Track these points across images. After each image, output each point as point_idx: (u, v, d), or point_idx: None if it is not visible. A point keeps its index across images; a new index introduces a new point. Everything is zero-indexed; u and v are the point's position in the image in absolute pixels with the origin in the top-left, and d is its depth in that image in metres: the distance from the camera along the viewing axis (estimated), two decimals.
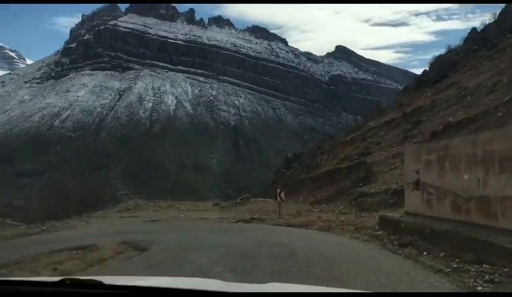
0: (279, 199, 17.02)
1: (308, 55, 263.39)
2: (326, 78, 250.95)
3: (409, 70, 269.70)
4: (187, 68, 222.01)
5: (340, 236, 11.22)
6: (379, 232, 10.45)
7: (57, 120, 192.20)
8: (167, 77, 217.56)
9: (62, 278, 2.13)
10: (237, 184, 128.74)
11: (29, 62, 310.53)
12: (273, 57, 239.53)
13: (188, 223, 16.07)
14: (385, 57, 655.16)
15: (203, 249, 8.96)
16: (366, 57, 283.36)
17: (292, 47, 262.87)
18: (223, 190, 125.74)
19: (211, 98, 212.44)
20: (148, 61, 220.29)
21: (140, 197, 57.32)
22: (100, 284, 1.95)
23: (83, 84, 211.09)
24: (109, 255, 9.25)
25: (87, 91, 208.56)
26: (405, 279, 6.14)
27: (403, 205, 11.43)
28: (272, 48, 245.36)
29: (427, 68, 52.90)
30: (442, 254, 7.41)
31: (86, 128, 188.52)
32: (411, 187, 10.26)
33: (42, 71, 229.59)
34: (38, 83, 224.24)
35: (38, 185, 55.45)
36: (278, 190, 17.47)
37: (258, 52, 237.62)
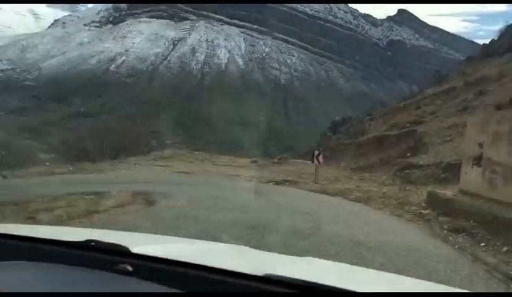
0: (316, 162, 15.58)
1: (368, 18, 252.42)
2: (384, 42, 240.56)
3: (474, 40, 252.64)
4: (242, 23, 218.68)
5: (379, 210, 9.71)
6: (427, 211, 8.88)
7: (113, 65, 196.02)
8: (222, 30, 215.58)
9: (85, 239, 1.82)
10: (282, 144, 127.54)
11: (89, 5, 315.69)
12: (330, 17, 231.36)
13: (216, 179, 15.00)
14: (450, 25, 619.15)
15: (216, 211, 7.79)
16: (430, 23, 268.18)
17: (352, 7, 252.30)
18: (267, 149, 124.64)
19: (264, 54, 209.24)
20: (204, 12, 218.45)
21: (185, 147, 57.54)
22: (127, 252, 1.69)
23: (140, 31, 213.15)
24: (115, 204, 8.53)
25: (143, 39, 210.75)
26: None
27: (457, 182, 9.74)
28: (331, 7, 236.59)
29: (495, 38, 48.47)
30: (505, 249, 5.87)
31: (139, 75, 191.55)
32: (470, 162, 8.57)
33: (101, 15, 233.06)
34: (96, 26, 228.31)
35: (85, 126, 56.28)
36: (316, 152, 16.01)
37: (316, 11, 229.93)
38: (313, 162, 15.97)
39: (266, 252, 2.32)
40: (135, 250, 1.69)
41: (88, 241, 1.80)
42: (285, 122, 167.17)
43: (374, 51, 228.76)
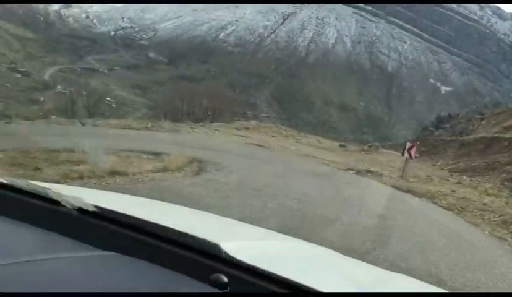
0: (407, 155, 13.52)
1: (496, 10, 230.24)
2: (510, 39, 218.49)
3: None
4: (356, 4, 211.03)
5: (475, 227, 7.69)
6: None
7: (222, 34, 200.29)
8: (334, 8, 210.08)
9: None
10: (378, 133, 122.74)
11: None
12: (454, 5, 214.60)
13: (289, 158, 13.66)
14: None
15: (264, 194, 6.57)
16: None
17: None
18: (361, 136, 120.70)
19: (374, 38, 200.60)
20: None
21: (277, 121, 56.88)
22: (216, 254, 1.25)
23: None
24: (164, 168, 7.83)
25: (253, 10, 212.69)
26: None
27: None
28: None
29: None
30: None
31: (245, 46, 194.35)
32: None
33: None
34: None
35: (185, 88, 57.71)
36: (408, 144, 13.89)
37: None
38: (403, 155, 13.95)
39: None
40: (229, 250, 1.18)
41: (170, 232, 1.25)
42: (386, 111, 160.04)
43: (497, 46, 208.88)
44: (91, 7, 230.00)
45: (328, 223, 5.25)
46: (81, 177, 6.30)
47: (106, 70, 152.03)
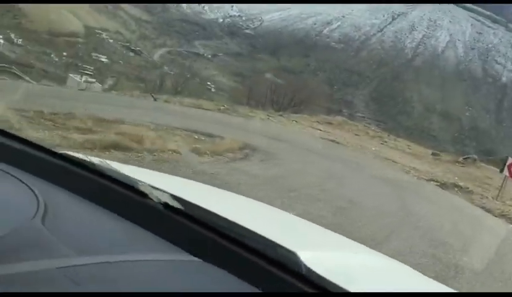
0: (506, 173, 11.48)
1: None
2: None
3: None
4: (473, 7, 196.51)
5: None
6: None
7: (327, 29, 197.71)
8: (449, 11, 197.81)
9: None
10: (482, 146, 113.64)
11: None
12: None
13: (363, 159, 12.27)
14: None
15: (292, 198, 5.45)
16: None
17: None
18: (464, 148, 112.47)
19: (490, 45, 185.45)
20: None
21: (375, 124, 54.48)
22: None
23: None
24: (210, 150, 7.23)
25: (362, 7, 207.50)
26: None
27: None
28: None
29: None
30: None
31: (349, 43, 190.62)
32: None
33: None
34: None
35: (281, 79, 57.45)
36: (510, 160, 11.77)
37: None
38: (501, 172, 11.87)
39: None
40: (306, 261, 1.09)
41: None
42: (494, 124, 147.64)
43: None
44: None
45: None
46: (107, 147, 5.79)
47: (210, 56, 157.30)
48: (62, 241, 1.02)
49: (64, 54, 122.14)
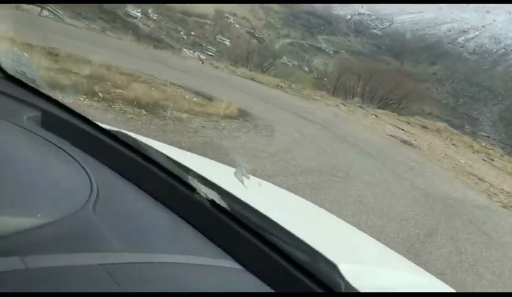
0: None
1: None
2: None
3: None
4: None
5: None
6: None
7: (462, 38, 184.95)
8: None
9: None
10: None
11: None
12: None
13: (430, 168, 10.28)
14: None
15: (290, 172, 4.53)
16: None
17: None
18: None
19: None
20: None
21: (501, 146, 50.15)
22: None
23: (508, 11, 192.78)
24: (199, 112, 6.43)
25: (506, 18, 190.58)
26: None
27: None
28: None
29: None
30: None
31: (485, 55, 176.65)
32: None
33: None
34: None
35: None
36: None
37: None
38: None
39: None
40: (346, 274, 1.04)
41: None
42: None
43: None
44: None
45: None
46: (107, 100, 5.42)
47: (331, 52, 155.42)
48: (109, 232, 0.99)
49: (192, 33, 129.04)
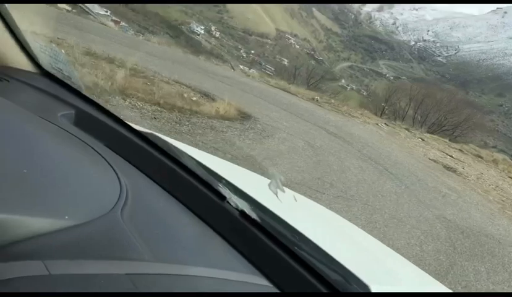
0: None
1: None
2: None
3: None
4: None
5: None
6: None
7: None
8: None
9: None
10: None
11: None
12: None
13: (471, 198, 8.97)
14: None
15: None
16: None
17: None
18: None
19: None
20: None
21: None
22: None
23: None
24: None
25: None
26: None
27: None
28: None
29: None
30: None
31: None
32: None
33: None
34: None
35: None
36: None
37: None
38: None
39: None
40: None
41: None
42: None
43: None
44: (402, 14, 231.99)
45: None
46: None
47: (392, 78, 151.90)
48: (136, 239, 0.95)
49: (252, 51, 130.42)
